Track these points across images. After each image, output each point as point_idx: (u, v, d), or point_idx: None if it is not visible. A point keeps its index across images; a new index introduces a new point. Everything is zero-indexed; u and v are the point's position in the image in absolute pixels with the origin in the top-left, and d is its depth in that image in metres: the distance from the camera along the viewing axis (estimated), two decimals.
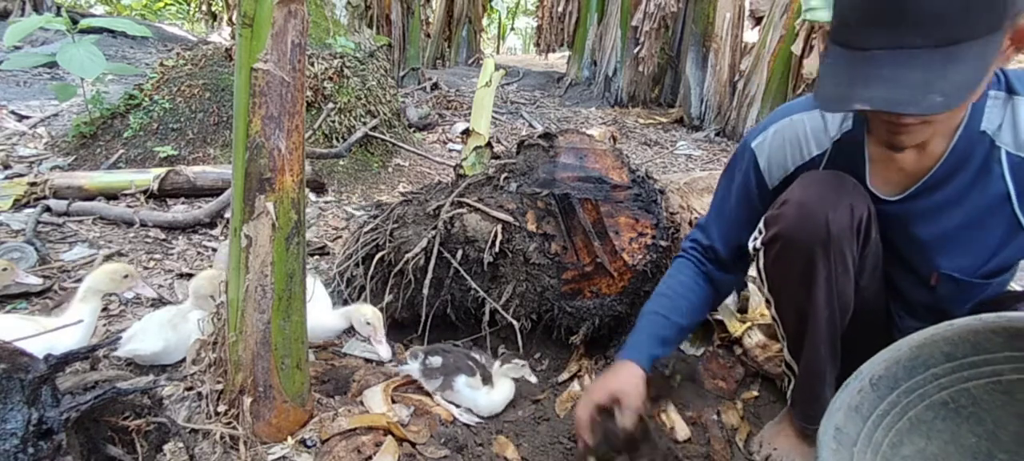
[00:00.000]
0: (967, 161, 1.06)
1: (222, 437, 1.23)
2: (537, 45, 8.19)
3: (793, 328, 1.28)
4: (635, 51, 6.11)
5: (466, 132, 2.04)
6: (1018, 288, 1.31)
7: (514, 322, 1.61)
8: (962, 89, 0.88)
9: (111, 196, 2.57)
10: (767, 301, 1.31)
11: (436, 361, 1.47)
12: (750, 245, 1.26)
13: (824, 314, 1.18)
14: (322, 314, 1.59)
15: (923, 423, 1.03)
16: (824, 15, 4.28)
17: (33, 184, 2.50)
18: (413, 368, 1.50)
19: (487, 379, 1.47)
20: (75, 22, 3.02)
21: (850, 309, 1.20)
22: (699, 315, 1.39)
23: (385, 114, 3.69)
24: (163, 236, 2.35)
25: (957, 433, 1.02)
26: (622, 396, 1.23)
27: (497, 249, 1.61)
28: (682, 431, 1.50)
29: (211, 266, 2.11)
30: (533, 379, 1.53)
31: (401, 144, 3.70)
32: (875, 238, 1.16)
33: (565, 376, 1.71)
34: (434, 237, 1.65)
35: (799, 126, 1.23)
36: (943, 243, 1.14)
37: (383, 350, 1.50)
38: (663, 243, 1.64)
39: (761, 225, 1.22)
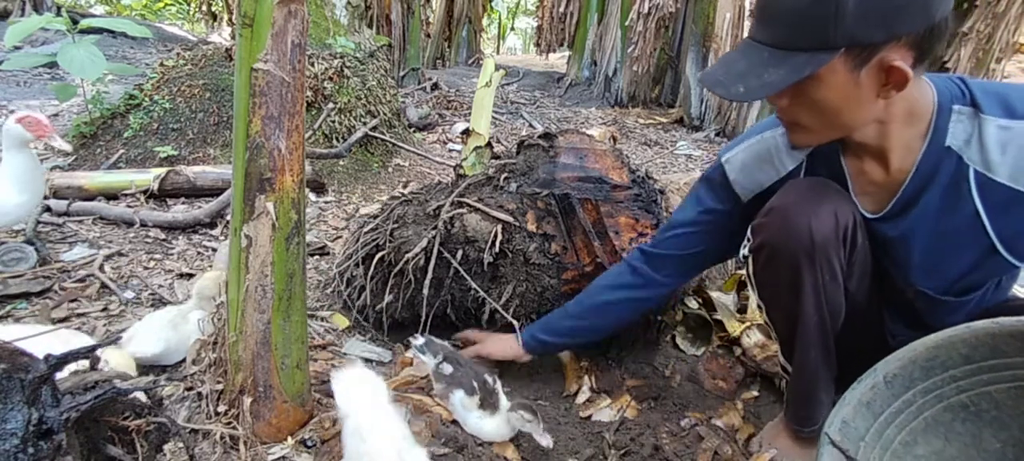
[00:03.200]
0: (935, 177, 1.05)
1: (222, 437, 1.23)
2: (537, 45, 8.19)
3: (785, 333, 1.29)
4: (630, 51, 6.11)
5: (466, 132, 2.04)
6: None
7: (514, 322, 1.61)
8: (767, 87, 0.96)
9: (111, 196, 2.57)
10: (759, 306, 1.32)
11: (447, 368, 1.45)
12: (741, 252, 1.28)
13: (813, 320, 1.18)
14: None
15: (941, 425, 1.01)
16: None
17: None
18: (429, 364, 1.47)
19: (487, 404, 1.39)
20: (75, 22, 3.01)
21: (842, 314, 1.20)
22: (607, 313, 1.47)
23: (385, 114, 3.69)
24: (163, 236, 2.35)
25: (979, 437, 1.00)
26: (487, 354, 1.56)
27: (497, 249, 1.61)
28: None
29: (211, 266, 2.11)
30: (544, 441, 1.34)
31: (401, 144, 3.70)
32: (862, 243, 1.15)
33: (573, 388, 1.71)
34: (434, 237, 1.65)
35: (771, 142, 1.23)
36: (917, 261, 1.14)
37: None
38: None
39: (749, 233, 1.23)
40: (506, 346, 1.57)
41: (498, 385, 1.42)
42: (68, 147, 1.93)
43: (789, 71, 0.94)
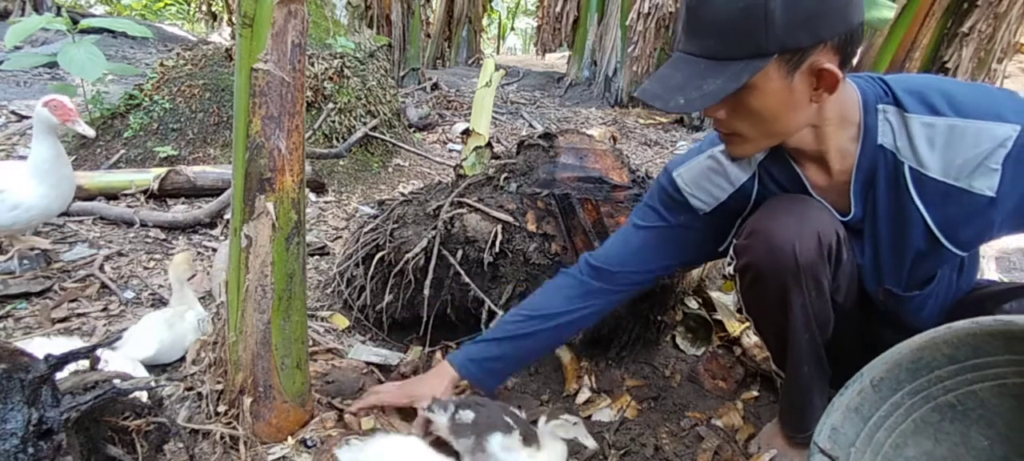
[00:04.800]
0: (875, 177, 1.08)
1: (222, 437, 1.23)
2: (537, 45, 8.18)
3: (775, 348, 1.31)
4: (630, 51, 6.10)
5: (466, 132, 2.04)
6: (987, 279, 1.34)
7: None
8: (707, 98, 0.96)
9: (111, 196, 2.57)
10: (748, 319, 1.32)
11: (467, 416, 1.23)
12: (726, 270, 1.28)
13: (803, 337, 1.19)
14: None
15: (929, 425, 1.02)
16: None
17: None
18: (441, 422, 1.26)
19: (529, 438, 1.20)
20: (75, 22, 3.02)
21: (830, 325, 1.21)
22: (562, 333, 1.39)
23: (385, 114, 3.69)
24: (163, 236, 2.35)
25: (967, 435, 1.01)
26: (418, 401, 1.34)
27: (497, 249, 1.61)
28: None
29: (211, 265, 2.11)
30: (590, 443, 1.23)
31: (401, 144, 3.70)
32: (847, 257, 1.16)
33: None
34: (434, 237, 1.65)
35: (720, 156, 1.23)
36: (877, 262, 1.17)
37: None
38: None
39: (732, 252, 1.23)
40: (437, 382, 1.37)
41: (522, 411, 1.25)
42: (91, 132, 1.90)
43: (727, 80, 0.96)
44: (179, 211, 2.57)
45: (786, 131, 1.06)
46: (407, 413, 1.40)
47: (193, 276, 1.65)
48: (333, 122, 3.30)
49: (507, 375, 1.46)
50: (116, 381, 0.99)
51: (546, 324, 1.34)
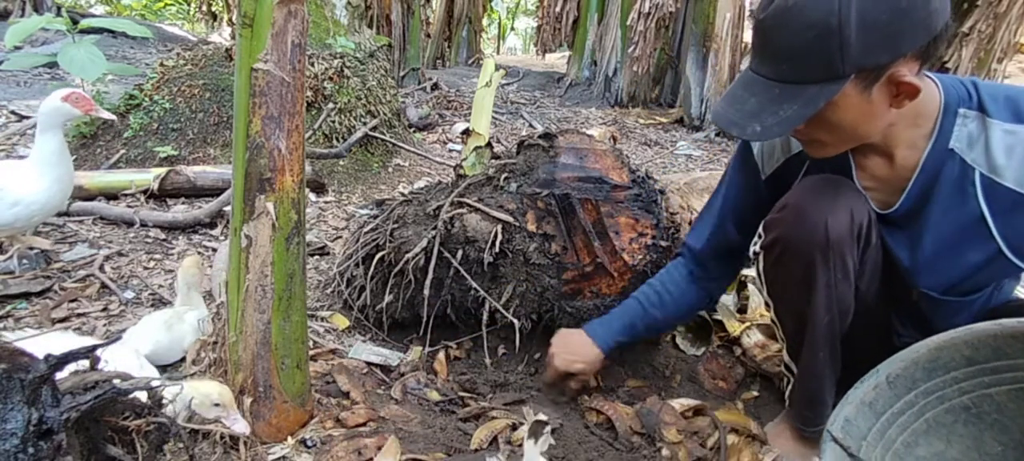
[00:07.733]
0: (939, 179, 1.07)
1: (222, 437, 1.23)
2: (537, 45, 8.18)
3: (792, 332, 1.29)
4: (630, 51, 6.10)
5: (466, 132, 2.04)
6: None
7: (515, 320, 1.61)
8: (784, 124, 0.96)
9: (111, 196, 2.57)
10: (767, 304, 1.31)
11: None
12: (751, 249, 1.27)
13: (824, 319, 1.18)
14: None
15: (942, 426, 1.01)
16: None
17: None
18: None
19: None
20: (75, 22, 3.02)
21: (850, 314, 1.20)
22: (679, 312, 1.49)
23: (385, 114, 3.69)
24: (163, 236, 2.35)
25: (980, 439, 1.00)
26: (578, 373, 1.50)
27: (497, 249, 1.61)
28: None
29: (211, 265, 2.11)
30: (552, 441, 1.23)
31: (401, 144, 3.70)
32: (875, 243, 1.16)
33: None
34: (434, 237, 1.65)
35: None
36: (921, 263, 1.15)
37: None
38: (663, 243, 1.64)
39: (761, 229, 1.22)
40: (587, 353, 1.50)
41: (504, 456, 1.25)
42: (113, 116, 1.97)
43: (803, 105, 0.95)
44: (179, 211, 2.57)
45: (867, 136, 1.05)
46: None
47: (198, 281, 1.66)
48: (333, 122, 3.30)
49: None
50: (116, 381, 0.99)
51: (668, 314, 1.47)
